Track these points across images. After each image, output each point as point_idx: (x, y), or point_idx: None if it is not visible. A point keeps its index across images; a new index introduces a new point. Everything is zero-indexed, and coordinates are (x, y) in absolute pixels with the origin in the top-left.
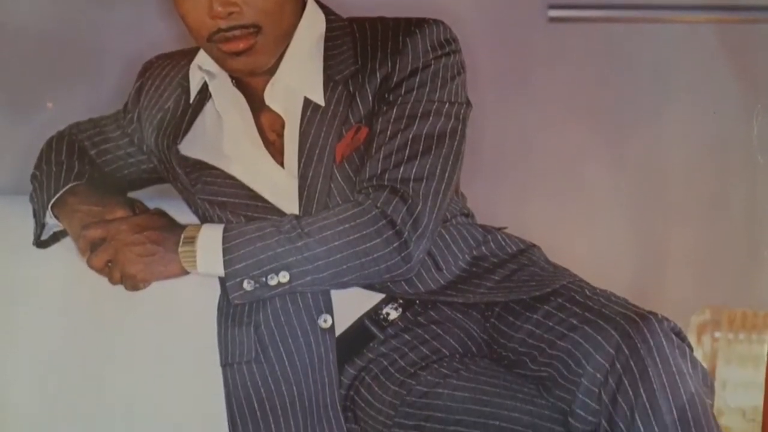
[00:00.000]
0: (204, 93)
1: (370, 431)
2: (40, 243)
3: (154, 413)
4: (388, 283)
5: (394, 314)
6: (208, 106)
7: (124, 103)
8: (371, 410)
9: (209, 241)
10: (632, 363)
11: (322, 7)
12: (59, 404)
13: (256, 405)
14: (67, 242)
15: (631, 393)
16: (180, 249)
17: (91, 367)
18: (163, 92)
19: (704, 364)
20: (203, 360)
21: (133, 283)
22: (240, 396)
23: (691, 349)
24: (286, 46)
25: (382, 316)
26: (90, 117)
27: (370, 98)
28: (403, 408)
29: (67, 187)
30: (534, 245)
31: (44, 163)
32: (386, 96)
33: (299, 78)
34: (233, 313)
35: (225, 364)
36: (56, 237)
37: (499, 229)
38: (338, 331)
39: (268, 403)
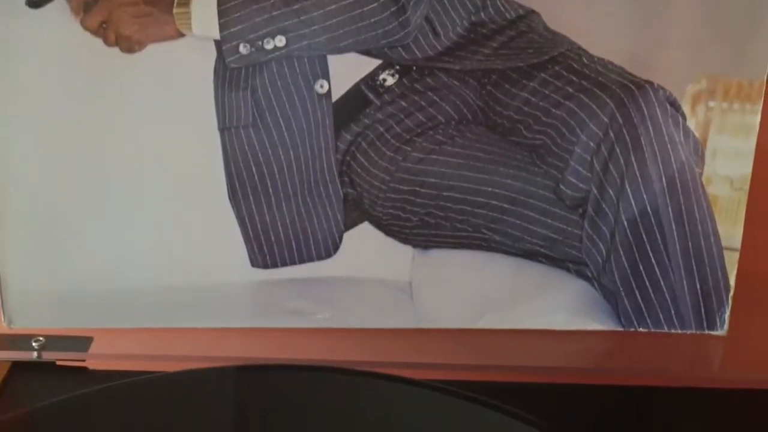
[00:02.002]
0: None
1: (366, 196)
2: (33, 3)
3: (153, 176)
4: (385, 49)
5: (390, 80)
6: None
7: None
8: (367, 175)
9: (204, 2)
10: (625, 132)
11: None
12: (59, 166)
13: (254, 169)
14: (61, 2)
15: (622, 161)
16: (175, 10)
17: (90, 130)
18: None
19: (697, 134)
20: (202, 124)
21: (128, 45)
22: (238, 160)
23: (685, 119)
24: None
25: (378, 82)
26: None
27: None
28: (398, 174)
29: None
30: (533, 11)
31: None
32: None
33: None
34: (230, 77)
35: (222, 128)
36: None
37: None
38: (335, 97)
39: (266, 168)
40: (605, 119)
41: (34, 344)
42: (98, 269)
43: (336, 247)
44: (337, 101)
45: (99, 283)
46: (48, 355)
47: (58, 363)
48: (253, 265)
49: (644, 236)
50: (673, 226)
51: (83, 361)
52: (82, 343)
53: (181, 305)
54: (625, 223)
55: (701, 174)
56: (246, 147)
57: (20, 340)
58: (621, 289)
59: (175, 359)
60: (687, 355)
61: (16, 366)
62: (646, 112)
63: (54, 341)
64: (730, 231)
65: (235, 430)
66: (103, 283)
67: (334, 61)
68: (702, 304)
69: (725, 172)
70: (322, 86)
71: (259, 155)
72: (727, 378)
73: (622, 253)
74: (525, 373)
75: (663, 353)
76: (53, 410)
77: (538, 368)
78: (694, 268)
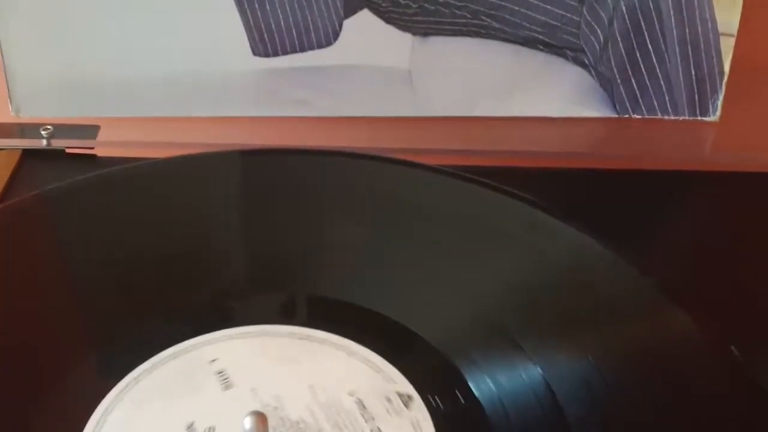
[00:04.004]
0: None
1: None
2: None
3: None
4: None
5: None
6: None
7: None
8: None
9: None
10: None
11: None
12: None
13: None
14: None
15: None
16: None
17: None
18: None
19: None
20: None
21: None
22: None
23: None
24: None
25: None
26: None
27: None
28: None
29: None
30: None
31: None
32: None
33: None
34: None
35: None
36: None
37: None
38: None
39: None
40: None
41: (42, 132)
42: (103, 59)
43: (336, 35)
44: None
45: (104, 73)
46: (57, 143)
47: (68, 150)
48: (254, 53)
49: (642, 22)
50: (671, 12)
51: (92, 148)
52: (89, 131)
53: (185, 95)
54: (624, 9)
55: None
56: None
57: (29, 129)
58: (617, 75)
59: (180, 146)
60: (679, 140)
61: (27, 154)
62: None
63: (62, 130)
64: (727, 17)
65: (240, 213)
66: (107, 73)
67: None
68: (696, 91)
69: None
70: None
71: None
72: (718, 162)
73: (619, 39)
74: (521, 158)
75: (656, 139)
76: (63, 192)
77: (535, 153)
78: (690, 54)
